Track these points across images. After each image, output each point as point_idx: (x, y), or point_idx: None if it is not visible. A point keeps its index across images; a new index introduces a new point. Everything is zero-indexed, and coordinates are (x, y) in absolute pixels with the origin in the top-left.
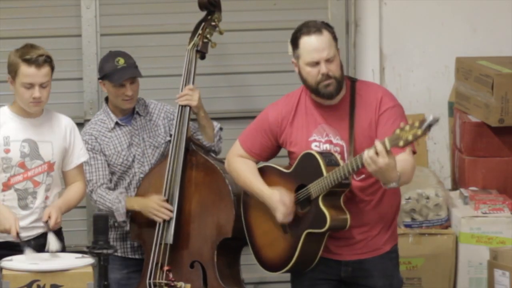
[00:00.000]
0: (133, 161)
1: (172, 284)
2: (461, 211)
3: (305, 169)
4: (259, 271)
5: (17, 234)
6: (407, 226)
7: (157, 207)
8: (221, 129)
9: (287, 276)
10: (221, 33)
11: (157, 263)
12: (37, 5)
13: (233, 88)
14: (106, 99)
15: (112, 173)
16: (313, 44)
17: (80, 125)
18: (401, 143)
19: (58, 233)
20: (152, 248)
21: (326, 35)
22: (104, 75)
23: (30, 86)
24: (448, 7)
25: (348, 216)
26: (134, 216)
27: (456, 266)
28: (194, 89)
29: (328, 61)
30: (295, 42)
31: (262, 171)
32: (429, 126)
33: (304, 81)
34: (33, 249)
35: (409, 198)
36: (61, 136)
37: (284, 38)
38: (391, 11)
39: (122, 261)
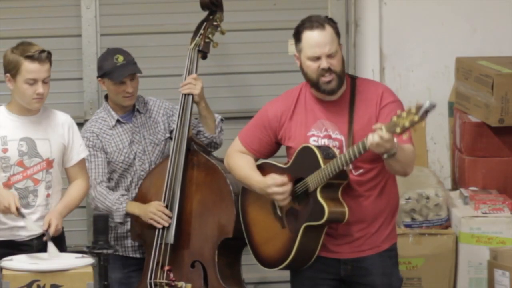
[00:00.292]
0: (134, 158)
1: (173, 284)
2: (461, 211)
3: (303, 163)
4: (259, 271)
5: (17, 209)
6: (407, 226)
7: (156, 212)
8: (222, 120)
9: (287, 276)
10: (223, 33)
11: (158, 263)
12: (37, 5)
13: (233, 88)
14: (106, 97)
15: (113, 171)
16: (315, 39)
17: (80, 125)
18: (398, 130)
19: (60, 235)
20: (153, 248)
21: (328, 30)
22: (104, 73)
23: (34, 82)
24: (448, 7)
25: (346, 209)
26: (134, 216)
27: (456, 266)
28: (197, 78)
29: (329, 56)
30: (297, 36)
31: (261, 168)
32: (426, 112)
33: (305, 75)
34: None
35: (409, 198)
36: (59, 133)
37: (284, 38)
38: (391, 11)
39: (123, 261)
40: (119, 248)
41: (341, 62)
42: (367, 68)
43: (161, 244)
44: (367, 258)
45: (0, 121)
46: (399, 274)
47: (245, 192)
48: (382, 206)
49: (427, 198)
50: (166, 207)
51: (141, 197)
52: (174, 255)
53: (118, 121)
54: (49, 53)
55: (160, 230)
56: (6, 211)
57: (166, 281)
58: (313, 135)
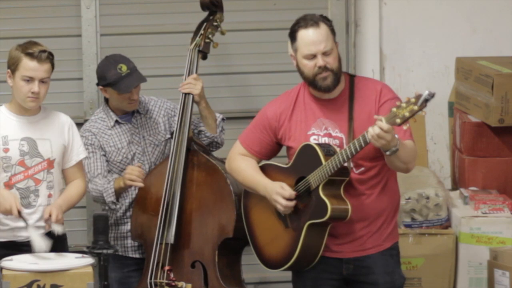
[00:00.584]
0: (132, 158)
1: (173, 284)
2: (461, 211)
3: (304, 161)
4: (259, 271)
5: (19, 212)
6: (407, 226)
7: (131, 172)
8: (223, 119)
9: (288, 276)
10: (223, 33)
11: (158, 263)
12: (37, 5)
13: (233, 88)
14: (106, 99)
15: (110, 171)
16: (310, 37)
17: (80, 125)
18: (398, 121)
19: (62, 235)
20: (153, 248)
21: (323, 28)
22: (108, 84)
23: (30, 80)
24: (448, 7)
25: (349, 206)
26: (134, 215)
27: (456, 266)
28: (197, 78)
29: (325, 54)
30: (293, 35)
31: (262, 169)
32: (426, 100)
33: (301, 73)
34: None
35: (409, 198)
36: (59, 133)
37: (284, 38)
38: (391, 11)
39: (122, 260)
40: (119, 248)
41: (337, 59)
42: (367, 68)
43: (161, 244)
44: (370, 257)
45: (1, 120)
46: (401, 273)
47: (247, 194)
48: (384, 204)
49: (427, 198)
50: (167, 207)
51: (141, 197)
52: (174, 255)
53: (116, 121)
54: (51, 54)
55: (161, 230)
56: (7, 213)
57: (166, 281)
58: (313, 134)
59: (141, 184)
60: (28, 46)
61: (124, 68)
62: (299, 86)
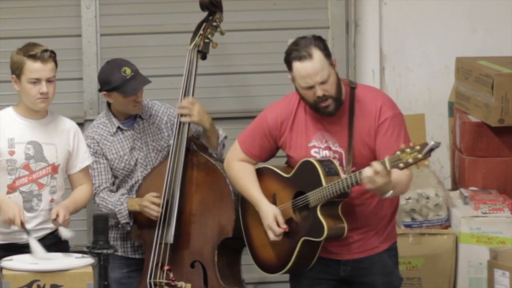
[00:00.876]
0: (135, 165)
1: (173, 283)
2: (461, 211)
3: (304, 177)
4: (259, 271)
5: (22, 223)
6: (407, 226)
7: (148, 204)
8: (225, 137)
9: (287, 276)
10: (222, 33)
11: (157, 263)
12: (37, 5)
13: (233, 88)
14: (108, 104)
15: (114, 177)
16: (305, 70)
17: (80, 125)
18: (401, 165)
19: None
20: (152, 248)
21: (317, 57)
22: (113, 88)
23: (37, 81)
24: (448, 7)
25: (345, 225)
26: (134, 216)
27: (456, 266)
28: (194, 102)
29: (322, 83)
30: (288, 64)
31: (261, 173)
32: (430, 150)
33: (302, 99)
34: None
35: (409, 198)
36: (65, 139)
37: (284, 38)
38: (391, 11)
39: (123, 260)
40: (119, 248)
41: (335, 84)
42: (367, 68)
43: (161, 244)
44: (367, 258)
45: (8, 123)
46: (399, 274)
47: None
48: (383, 210)
49: (427, 198)
50: (166, 206)
51: (141, 197)
52: (174, 255)
53: (119, 128)
54: (53, 53)
55: (160, 230)
56: (10, 222)
57: (166, 281)
58: (314, 146)
59: (156, 216)
60: (29, 48)
61: (128, 71)
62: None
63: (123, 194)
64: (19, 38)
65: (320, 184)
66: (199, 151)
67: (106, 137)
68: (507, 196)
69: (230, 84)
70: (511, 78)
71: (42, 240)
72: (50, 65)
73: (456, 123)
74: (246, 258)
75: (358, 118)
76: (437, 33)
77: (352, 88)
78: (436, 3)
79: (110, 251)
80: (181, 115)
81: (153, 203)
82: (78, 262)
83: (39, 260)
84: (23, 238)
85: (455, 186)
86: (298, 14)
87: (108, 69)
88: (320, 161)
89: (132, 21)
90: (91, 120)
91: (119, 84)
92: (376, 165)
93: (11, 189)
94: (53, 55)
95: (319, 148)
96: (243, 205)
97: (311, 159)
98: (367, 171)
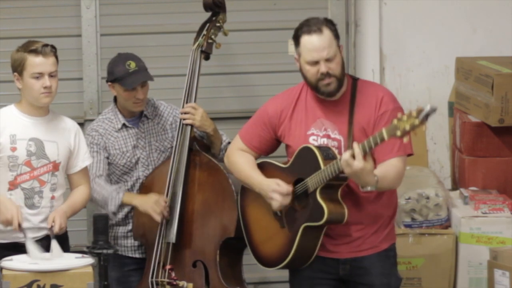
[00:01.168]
0: (136, 163)
1: (174, 283)
2: (461, 211)
3: (303, 163)
4: (259, 271)
5: (19, 225)
6: (407, 226)
7: (158, 204)
8: (229, 143)
9: (287, 276)
10: (225, 34)
11: (159, 262)
12: (37, 5)
13: (234, 88)
14: (115, 99)
15: (112, 173)
16: (313, 44)
17: (80, 125)
18: (398, 133)
19: (63, 234)
20: (154, 247)
21: (326, 34)
22: (115, 79)
23: (40, 75)
24: (448, 7)
25: (345, 209)
26: (136, 215)
27: (456, 266)
28: (196, 107)
29: (328, 60)
30: (296, 40)
31: (261, 167)
32: (427, 115)
33: (304, 78)
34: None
35: (409, 198)
36: (66, 137)
37: (284, 38)
38: (391, 11)
39: (122, 260)
40: (119, 248)
41: (340, 64)
42: (367, 68)
43: (162, 243)
44: (366, 258)
45: (10, 119)
46: (397, 274)
47: (244, 191)
48: (381, 207)
49: (427, 198)
50: (169, 206)
51: (143, 196)
52: (176, 254)
53: (124, 125)
54: (54, 48)
55: (162, 229)
56: (7, 223)
57: (168, 280)
58: (313, 134)
59: (159, 219)
60: (28, 45)
61: (132, 65)
62: (302, 85)
63: (121, 187)
64: (19, 38)
65: (318, 168)
66: (201, 151)
67: (111, 132)
68: (507, 196)
69: (231, 84)
70: (511, 78)
71: (43, 240)
72: (52, 59)
73: (456, 123)
74: (247, 258)
75: (359, 107)
76: (437, 33)
77: (355, 80)
78: (436, 3)
79: (110, 251)
80: (184, 119)
81: (165, 202)
82: (78, 262)
83: (39, 260)
84: (23, 237)
85: (455, 186)
86: (298, 14)
87: (115, 60)
88: (318, 147)
89: (132, 21)
90: (91, 120)
91: (120, 76)
92: (355, 147)
93: (13, 185)
94: (54, 50)
95: (317, 136)
96: (243, 201)
97: (309, 145)
98: (344, 154)
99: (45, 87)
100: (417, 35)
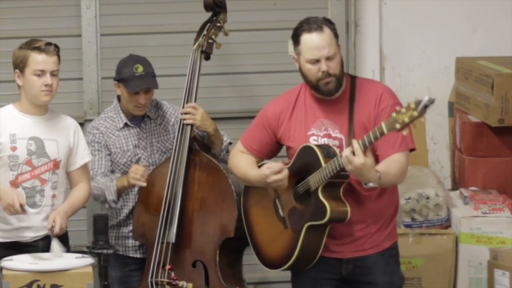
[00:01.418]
0: (137, 162)
1: (174, 283)
2: (461, 211)
3: (304, 162)
4: (259, 271)
5: (21, 206)
6: (407, 226)
7: (134, 171)
8: (230, 143)
9: (288, 276)
10: (226, 34)
11: (159, 262)
12: (37, 5)
13: (234, 88)
14: (118, 97)
15: (112, 172)
16: (314, 42)
17: (80, 125)
18: (397, 126)
19: (64, 235)
20: (154, 247)
21: (327, 33)
22: (121, 79)
23: (42, 73)
24: (448, 7)
25: (348, 208)
26: (136, 215)
27: (456, 266)
28: (197, 107)
29: (328, 58)
30: (296, 39)
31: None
32: (425, 106)
33: (304, 77)
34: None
35: (409, 198)
36: (66, 135)
37: (284, 38)
38: (391, 11)
39: (123, 259)
40: (119, 248)
41: (339, 63)
42: (367, 68)
43: (162, 243)
44: (369, 257)
45: (9, 119)
46: (400, 272)
47: (247, 193)
48: (383, 206)
49: (427, 198)
50: (168, 206)
51: (143, 197)
52: (176, 254)
53: (126, 124)
54: (57, 47)
55: (162, 229)
56: (10, 208)
57: (167, 280)
58: (313, 134)
59: (144, 184)
60: (32, 42)
61: (140, 69)
62: (300, 86)
63: (113, 176)
64: (19, 38)
65: (319, 166)
66: (201, 151)
67: (112, 130)
68: (507, 196)
69: (231, 84)
70: (511, 78)
71: (44, 239)
72: (54, 58)
73: (456, 123)
74: (247, 258)
75: (359, 104)
76: (437, 33)
77: (353, 77)
78: (436, 3)
79: (110, 251)
80: (184, 119)
81: (137, 170)
82: (78, 262)
83: (39, 259)
84: (27, 236)
85: (455, 186)
86: (298, 14)
87: (125, 60)
88: (319, 145)
89: (132, 21)
90: (91, 120)
91: (126, 77)
92: (354, 143)
93: (14, 185)
94: (57, 49)
95: (318, 136)
96: (245, 203)
97: (309, 144)
98: (345, 151)
99: (46, 85)
100: (417, 35)
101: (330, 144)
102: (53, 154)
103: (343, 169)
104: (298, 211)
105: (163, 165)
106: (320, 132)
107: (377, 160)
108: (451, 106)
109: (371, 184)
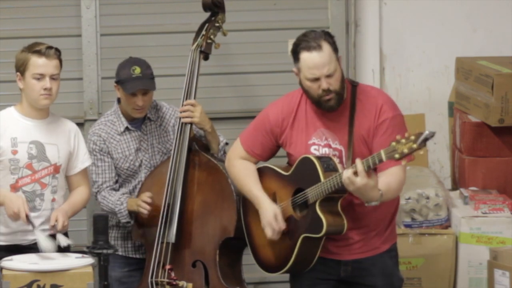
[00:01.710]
0: (139, 166)
1: (174, 283)
2: (461, 211)
3: (303, 174)
4: (259, 271)
5: (27, 216)
6: (407, 226)
7: (140, 203)
8: (226, 144)
9: (287, 276)
10: (224, 34)
11: (159, 262)
12: (37, 5)
13: (233, 88)
14: (118, 100)
15: (118, 176)
16: (313, 61)
17: (80, 125)
18: (396, 156)
19: (64, 234)
20: (154, 247)
21: (326, 50)
22: (119, 81)
23: (41, 77)
24: (448, 7)
25: (344, 221)
26: (136, 216)
27: (456, 266)
28: (195, 104)
29: (328, 76)
30: (295, 56)
31: (261, 172)
32: (425, 140)
33: (305, 92)
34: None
35: (409, 198)
36: (66, 140)
37: (284, 38)
38: (391, 11)
39: (123, 260)
40: (120, 248)
41: (340, 79)
42: (367, 68)
43: (162, 243)
44: (368, 259)
45: (11, 122)
46: (399, 274)
47: None
48: (383, 213)
49: (427, 198)
50: (168, 206)
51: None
52: (176, 254)
53: (127, 128)
54: (58, 51)
55: (162, 229)
56: (15, 216)
57: (167, 280)
58: (314, 143)
59: (146, 215)
60: (33, 45)
61: (137, 70)
62: (301, 93)
63: (123, 194)
64: (19, 38)
65: (318, 180)
66: (200, 151)
67: (113, 135)
68: (507, 196)
69: (230, 84)
70: (511, 78)
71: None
72: (55, 62)
73: (456, 123)
74: (246, 258)
75: (359, 116)
76: (437, 33)
77: (354, 86)
78: (436, 3)
79: (110, 251)
80: (183, 117)
81: (144, 201)
82: (78, 262)
83: (39, 259)
84: (26, 239)
85: (455, 186)
86: (298, 14)
87: (124, 62)
88: (319, 158)
89: (132, 21)
90: (91, 120)
91: (123, 79)
92: (358, 164)
93: (14, 188)
94: (58, 53)
95: (318, 145)
96: (245, 204)
97: (310, 156)
98: (346, 172)
99: (45, 89)
100: (417, 35)
101: (331, 155)
102: (54, 158)
103: (342, 186)
104: (295, 221)
105: (163, 165)
106: (321, 142)
107: (374, 170)
108: (451, 106)
109: (372, 203)
